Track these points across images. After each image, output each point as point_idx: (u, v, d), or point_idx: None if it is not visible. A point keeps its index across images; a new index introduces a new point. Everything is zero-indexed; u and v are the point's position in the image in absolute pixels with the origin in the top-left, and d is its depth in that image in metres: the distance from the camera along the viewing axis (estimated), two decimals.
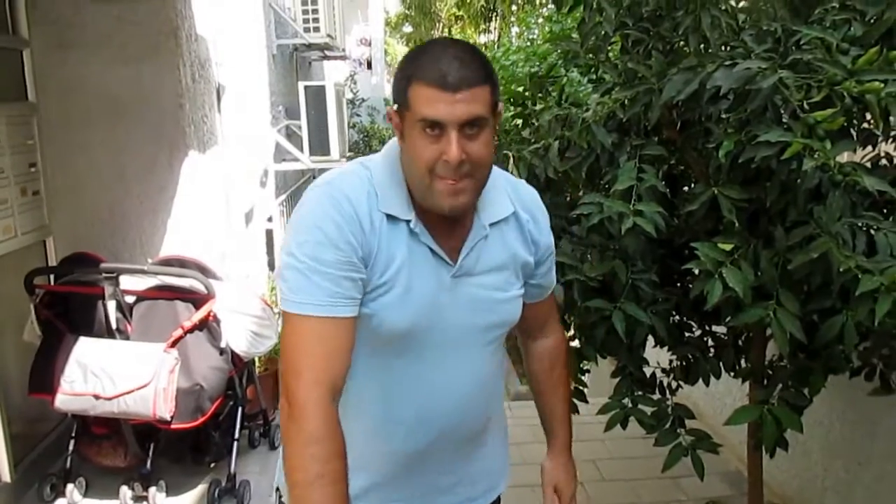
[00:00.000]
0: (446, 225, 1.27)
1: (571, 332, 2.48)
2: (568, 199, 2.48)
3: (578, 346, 2.29)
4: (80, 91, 3.59)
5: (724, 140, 1.77)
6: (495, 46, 10.59)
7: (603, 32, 2.09)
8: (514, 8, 12.28)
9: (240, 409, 3.39)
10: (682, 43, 2.09)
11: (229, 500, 3.27)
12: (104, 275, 3.02)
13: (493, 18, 12.89)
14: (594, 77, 2.77)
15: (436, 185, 1.19)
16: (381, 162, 1.28)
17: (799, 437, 2.35)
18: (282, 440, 1.16)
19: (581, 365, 2.33)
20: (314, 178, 7.77)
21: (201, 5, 4.01)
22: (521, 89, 3.50)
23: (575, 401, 2.47)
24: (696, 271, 1.79)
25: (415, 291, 1.24)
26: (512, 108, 2.63)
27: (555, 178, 2.21)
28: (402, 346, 1.28)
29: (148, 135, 3.65)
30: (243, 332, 3.16)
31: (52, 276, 3.31)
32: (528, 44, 5.75)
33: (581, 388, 2.44)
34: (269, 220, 5.35)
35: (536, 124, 2.31)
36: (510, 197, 1.36)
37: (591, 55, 2.16)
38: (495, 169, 1.32)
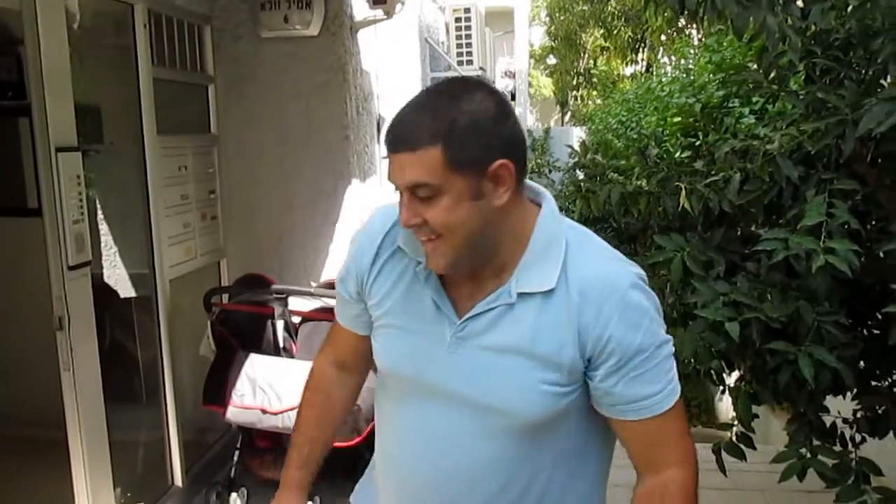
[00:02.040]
0: (468, 278, 1.16)
1: (739, 373, 2.37)
2: (739, 233, 2.39)
3: (751, 390, 2.18)
4: (256, 124, 3.84)
5: None
6: (641, 77, 10.42)
7: (787, 61, 2.01)
8: (663, 38, 12.01)
9: None
10: (874, 72, 1.97)
11: None
12: (275, 296, 3.19)
13: (641, 49, 12.67)
14: (755, 108, 2.67)
15: (420, 244, 1.12)
16: None
17: None
18: None
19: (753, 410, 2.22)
20: None
21: (365, 41, 4.21)
22: (678, 120, 3.41)
23: (742, 447, 2.35)
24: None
25: (407, 336, 1.19)
26: (671, 140, 2.57)
27: (729, 211, 2.13)
28: (396, 390, 1.26)
29: (315, 165, 3.85)
30: None
31: (226, 296, 3.54)
32: (685, 74, 5.59)
33: (750, 433, 2.32)
34: None
35: (710, 156, 2.24)
36: (563, 270, 1.13)
37: (774, 85, 2.08)
38: (569, 233, 1.17)
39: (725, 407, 5.99)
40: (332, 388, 1.46)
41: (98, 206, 3.46)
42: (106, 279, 3.54)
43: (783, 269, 1.92)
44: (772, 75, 2.05)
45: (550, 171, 12.50)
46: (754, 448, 2.35)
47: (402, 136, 1.07)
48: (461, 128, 1.05)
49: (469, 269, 1.14)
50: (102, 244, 3.53)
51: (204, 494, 3.41)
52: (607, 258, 1.18)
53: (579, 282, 1.12)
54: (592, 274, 1.13)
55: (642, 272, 1.18)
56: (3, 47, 3.58)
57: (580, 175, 9.79)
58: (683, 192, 2.17)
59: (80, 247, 2.72)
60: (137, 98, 3.16)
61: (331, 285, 3.26)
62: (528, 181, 1.18)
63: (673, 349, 1.17)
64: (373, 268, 1.21)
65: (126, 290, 3.60)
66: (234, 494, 3.36)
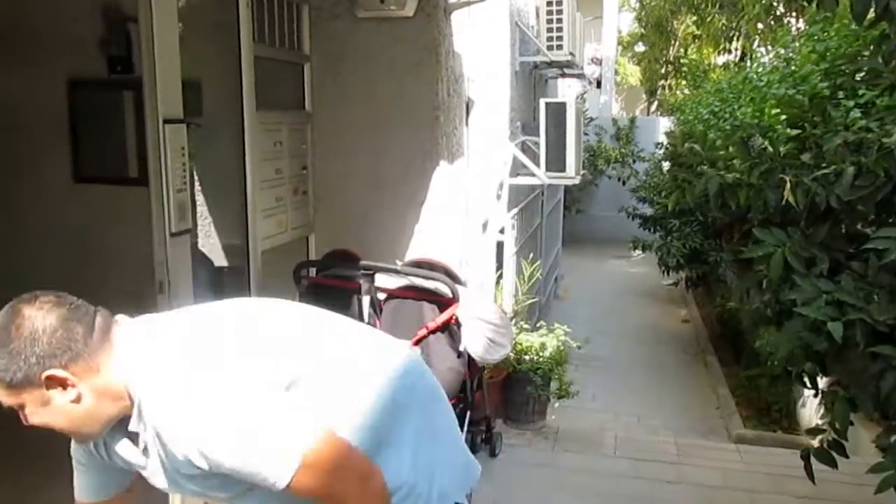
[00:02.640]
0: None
1: (833, 378, 2.29)
2: (844, 231, 2.29)
3: (848, 395, 2.10)
4: (348, 102, 3.90)
5: None
6: (735, 67, 10.06)
7: None
8: (759, 26, 11.56)
9: (468, 413, 3.49)
10: None
11: None
12: (362, 272, 3.25)
13: (735, 38, 12.22)
14: (861, 101, 2.54)
15: None
16: None
17: None
18: None
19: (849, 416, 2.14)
20: (543, 194, 7.86)
21: (458, 23, 4.21)
22: (777, 111, 3.29)
23: (834, 454, 2.28)
24: None
25: None
26: (774, 132, 2.48)
27: (836, 207, 2.05)
28: None
29: (404, 145, 3.88)
30: (481, 339, 3.24)
31: (313, 270, 3.62)
32: (785, 64, 5.37)
33: (844, 441, 2.24)
34: (501, 231, 5.47)
35: (818, 149, 2.16)
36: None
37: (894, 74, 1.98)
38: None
39: (808, 413, 5.78)
40: None
41: (196, 177, 3.58)
42: (200, 247, 3.68)
43: (893, 270, 1.84)
44: (892, 64, 1.95)
45: (634, 161, 12.26)
46: (846, 456, 2.27)
47: None
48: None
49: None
50: (198, 214, 3.66)
51: None
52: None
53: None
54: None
55: None
56: (115, 25, 3.73)
57: (666, 166, 9.58)
58: (788, 185, 2.10)
59: (182, 215, 2.84)
60: (238, 74, 3.25)
61: (417, 265, 3.30)
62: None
63: None
64: None
65: (219, 259, 3.74)
66: None
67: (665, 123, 12.44)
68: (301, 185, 3.87)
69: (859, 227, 2.32)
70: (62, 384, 1.31)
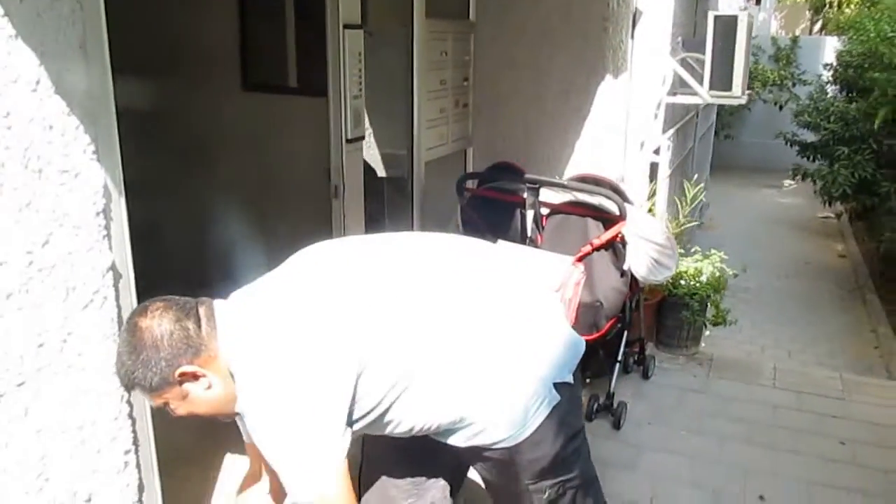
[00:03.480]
0: None
1: None
2: None
3: None
4: (515, 12, 3.80)
5: None
6: None
7: None
8: None
9: (625, 333, 3.46)
10: None
11: (605, 416, 3.38)
12: (527, 185, 3.23)
13: None
14: None
15: None
16: None
17: None
18: None
19: None
20: (697, 116, 7.47)
21: None
22: None
23: None
24: None
25: None
26: None
27: None
28: None
29: (570, 58, 3.77)
30: (645, 258, 3.17)
31: (477, 182, 3.63)
32: None
33: None
34: (656, 152, 5.27)
35: None
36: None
37: None
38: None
39: None
40: None
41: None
42: (365, 157, 3.76)
43: None
44: None
45: (794, 85, 11.39)
46: None
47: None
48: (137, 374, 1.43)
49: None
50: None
51: None
52: None
53: None
54: None
55: None
56: None
57: (830, 91, 8.85)
58: None
59: (357, 121, 2.90)
60: None
61: (583, 180, 3.24)
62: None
63: None
64: None
65: (381, 169, 3.81)
66: None
67: (833, 43, 11.42)
68: (462, 96, 3.85)
69: None
70: (193, 377, 1.44)
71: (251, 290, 1.56)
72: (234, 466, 1.80)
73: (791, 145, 8.61)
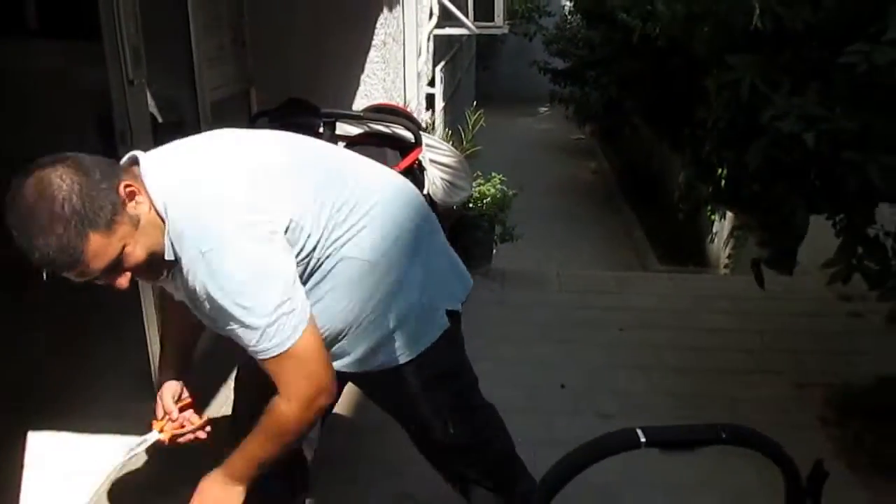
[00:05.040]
0: None
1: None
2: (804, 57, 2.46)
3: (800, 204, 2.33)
4: None
5: None
6: None
7: None
8: None
9: None
10: None
11: None
12: (322, 119, 3.22)
13: None
14: None
15: None
16: None
17: None
18: None
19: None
20: (461, 49, 7.78)
21: None
22: None
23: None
24: None
25: None
26: None
27: (803, 31, 2.19)
28: None
29: None
30: (440, 182, 3.33)
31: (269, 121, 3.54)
32: None
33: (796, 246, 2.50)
34: (431, 84, 5.47)
35: None
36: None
37: None
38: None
39: (716, 248, 6.27)
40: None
41: None
42: None
43: (856, 85, 2.01)
44: None
45: (541, 17, 12.18)
46: (794, 265, 2.55)
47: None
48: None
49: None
50: None
51: None
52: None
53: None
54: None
55: None
56: None
57: (571, 21, 9.55)
58: (757, 10, 2.22)
59: (138, 62, 2.71)
60: None
61: (378, 110, 3.30)
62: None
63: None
64: None
65: (163, 114, 3.59)
66: None
67: None
68: (240, 34, 3.71)
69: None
70: (134, 194, 1.34)
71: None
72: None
73: (544, 73, 9.28)
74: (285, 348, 1.39)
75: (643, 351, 3.52)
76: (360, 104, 3.81)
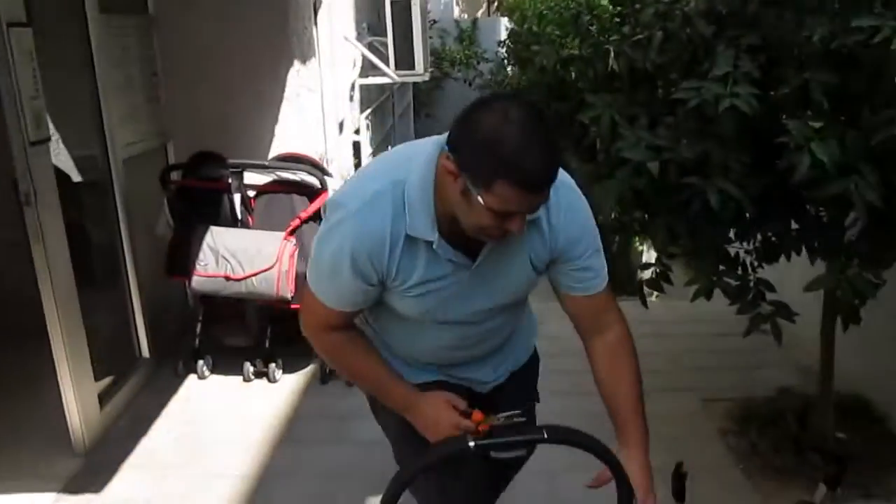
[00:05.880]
0: (468, 239, 1.43)
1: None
2: (660, 93, 2.66)
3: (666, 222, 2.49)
4: (194, 5, 3.85)
5: (818, 27, 1.94)
6: None
7: None
8: None
9: None
10: None
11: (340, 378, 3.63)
12: (231, 170, 3.34)
13: None
14: None
15: (482, 236, 1.39)
16: (416, 183, 1.41)
17: (869, 330, 2.50)
18: None
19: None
20: (392, 96, 7.99)
21: None
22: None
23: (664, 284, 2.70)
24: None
25: (431, 294, 1.49)
26: (611, 6, 2.79)
27: (651, 70, 2.39)
28: (416, 323, 1.60)
29: (256, 45, 3.91)
30: None
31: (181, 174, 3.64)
32: None
33: (668, 270, 2.66)
34: (357, 132, 5.62)
35: (636, 20, 2.48)
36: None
37: None
38: None
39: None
40: (355, 333, 1.65)
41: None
42: (56, 163, 3.58)
43: (697, 118, 2.20)
44: None
45: (479, 63, 12.52)
46: (671, 283, 2.71)
47: (550, 176, 1.30)
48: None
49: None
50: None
51: (172, 364, 3.63)
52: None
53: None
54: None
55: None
56: None
57: (507, 66, 9.87)
58: (612, 54, 2.41)
59: (39, 123, 2.80)
60: None
61: (283, 159, 3.43)
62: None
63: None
64: (391, 261, 1.44)
65: (76, 174, 3.66)
66: (200, 362, 3.58)
67: (506, 23, 12.71)
68: (153, 91, 3.83)
69: (673, 90, 2.69)
70: None
71: None
72: None
73: None
74: None
75: (560, 378, 3.63)
76: (277, 153, 3.92)
